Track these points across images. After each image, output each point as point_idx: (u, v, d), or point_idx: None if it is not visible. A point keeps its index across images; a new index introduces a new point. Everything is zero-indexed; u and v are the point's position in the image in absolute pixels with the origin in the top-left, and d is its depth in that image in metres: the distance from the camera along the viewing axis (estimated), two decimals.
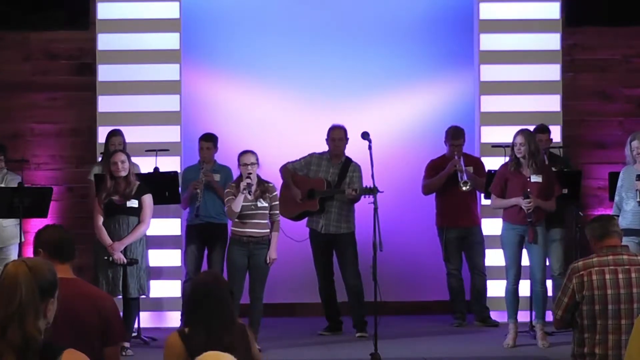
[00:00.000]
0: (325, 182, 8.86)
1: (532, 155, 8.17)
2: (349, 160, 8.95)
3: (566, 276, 5.42)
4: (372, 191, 8.14)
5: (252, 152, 8.26)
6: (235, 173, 8.60)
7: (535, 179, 8.18)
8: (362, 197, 8.57)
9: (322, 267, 8.95)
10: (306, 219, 9.01)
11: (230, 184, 8.39)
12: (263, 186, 8.21)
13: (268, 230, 8.23)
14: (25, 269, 3.11)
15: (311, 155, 9.04)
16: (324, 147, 9.01)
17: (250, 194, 8.07)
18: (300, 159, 9.05)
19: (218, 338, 4.31)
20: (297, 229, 9.07)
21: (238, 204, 8.08)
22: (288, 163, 9.05)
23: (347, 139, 8.96)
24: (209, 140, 9.08)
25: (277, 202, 8.29)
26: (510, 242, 8.24)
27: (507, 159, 8.53)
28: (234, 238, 8.23)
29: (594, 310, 5.27)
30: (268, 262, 8.19)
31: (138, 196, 8.14)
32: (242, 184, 8.07)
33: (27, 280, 3.09)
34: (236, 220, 8.16)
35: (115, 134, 9.09)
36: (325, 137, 8.98)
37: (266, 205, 8.19)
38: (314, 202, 8.85)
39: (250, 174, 8.09)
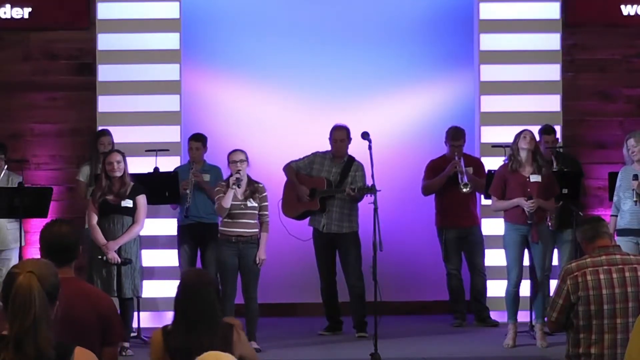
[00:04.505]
0: (326, 182, 8.85)
1: (534, 155, 8.18)
2: (351, 159, 8.91)
3: (560, 278, 5.41)
4: (371, 190, 8.14)
5: (241, 150, 8.26)
6: (225, 172, 8.60)
7: (534, 178, 8.16)
8: (365, 196, 8.54)
9: (324, 266, 8.92)
10: (308, 218, 9.00)
11: (219, 182, 8.38)
12: (253, 186, 8.21)
13: (257, 230, 8.20)
14: (37, 281, 3.18)
15: (314, 154, 9.01)
16: (325, 147, 9.00)
17: (239, 187, 8.07)
18: (303, 158, 9.02)
19: (197, 337, 4.33)
20: (302, 228, 9.06)
21: (228, 200, 8.07)
22: (292, 162, 9.03)
23: (349, 139, 8.91)
24: (198, 140, 9.06)
25: (267, 203, 8.26)
26: (513, 243, 8.21)
27: (505, 160, 8.51)
28: (222, 238, 8.21)
29: (590, 311, 5.25)
30: (257, 262, 8.17)
31: (132, 196, 8.11)
32: (232, 179, 8.08)
33: (40, 293, 3.17)
34: (225, 219, 8.15)
35: (104, 134, 9.11)
36: (328, 136, 8.96)
37: (255, 205, 8.17)
38: (315, 201, 8.84)
39: (239, 170, 8.10)
